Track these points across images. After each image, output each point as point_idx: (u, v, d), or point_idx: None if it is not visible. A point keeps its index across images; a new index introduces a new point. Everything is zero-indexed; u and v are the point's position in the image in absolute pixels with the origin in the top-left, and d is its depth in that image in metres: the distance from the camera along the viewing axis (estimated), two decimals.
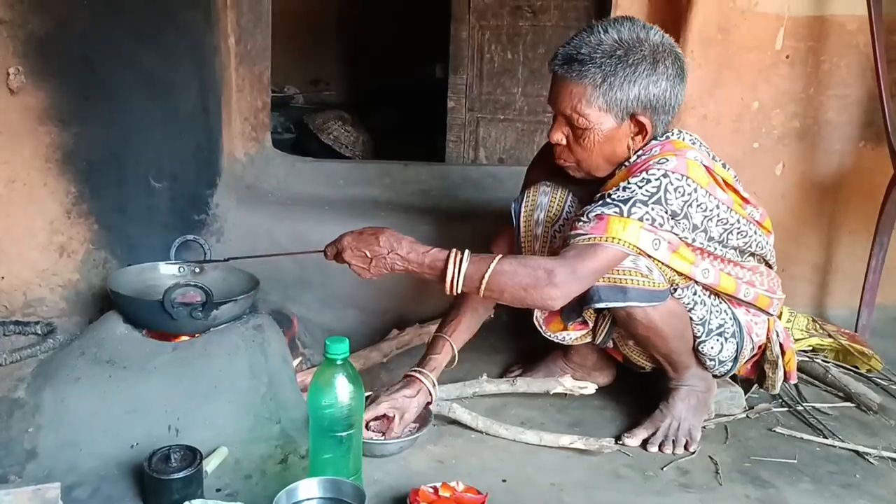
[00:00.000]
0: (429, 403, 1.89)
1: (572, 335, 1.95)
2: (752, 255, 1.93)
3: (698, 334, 1.87)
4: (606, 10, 2.74)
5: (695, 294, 1.84)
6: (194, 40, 2.35)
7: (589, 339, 1.97)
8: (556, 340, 1.97)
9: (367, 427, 1.79)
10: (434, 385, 1.90)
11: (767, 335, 1.98)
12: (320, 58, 6.03)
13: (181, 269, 2.19)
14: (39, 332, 2.18)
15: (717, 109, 2.65)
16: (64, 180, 2.24)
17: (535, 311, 1.93)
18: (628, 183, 1.68)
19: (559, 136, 1.79)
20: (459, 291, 1.66)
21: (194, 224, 2.39)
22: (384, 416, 1.81)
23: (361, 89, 5.92)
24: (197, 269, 2.20)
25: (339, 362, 1.46)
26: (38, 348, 2.07)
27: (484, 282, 1.63)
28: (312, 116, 4.57)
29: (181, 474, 1.50)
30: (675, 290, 1.81)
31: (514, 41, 3.38)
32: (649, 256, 1.70)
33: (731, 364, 1.93)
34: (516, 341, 2.47)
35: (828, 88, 2.65)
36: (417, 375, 1.89)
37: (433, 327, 2.42)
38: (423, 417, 1.87)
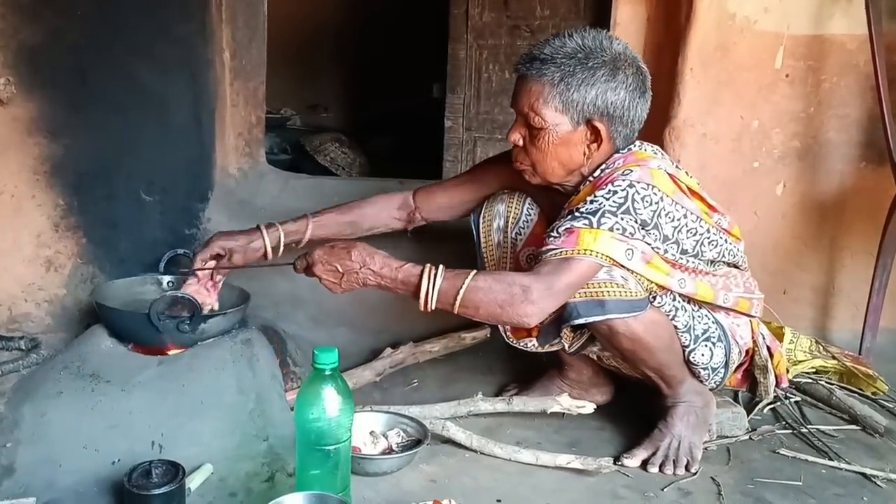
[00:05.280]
0: (263, 256, 1.95)
1: (538, 342, 1.92)
2: (725, 263, 1.90)
3: (685, 342, 1.83)
4: (605, 29, 2.72)
5: (674, 300, 1.81)
6: (188, 53, 2.33)
7: (558, 347, 1.93)
8: (520, 347, 1.95)
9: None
10: (276, 244, 1.96)
11: (753, 338, 1.95)
12: (318, 83, 6.05)
13: (170, 283, 2.15)
14: (23, 347, 2.13)
15: (717, 128, 2.62)
16: (52, 193, 2.20)
17: None
18: (595, 196, 1.67)
19: (516, 136, 1.79)
20: (434, 308, 1.64)
21: (185, 238, 2.35)
22: (215, 255, 1.91)
23: (359, 114, 5.93)
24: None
25: (327, 373, 1.41)
26: (21, 363, 2.01)
27: (458, 298, 1.62)
28: (309, 138, 4.56)
29: (162, 490, 1.45)
30: (654, 298, 1.78)
31: (511, 61, 3.35)
32: (623, 267, 1.67)
33: (723, 372, 1.90)
34: (512, 361, 2.41)
35: (828, 108, 2.62)
36: (261, 227, 1.96)
37: (428, 346, 2.40)
38: (420, 434, 1.81)
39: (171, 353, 1.90)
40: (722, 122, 2.62)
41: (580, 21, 3.19)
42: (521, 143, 1.79)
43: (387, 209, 2.11)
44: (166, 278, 2.16)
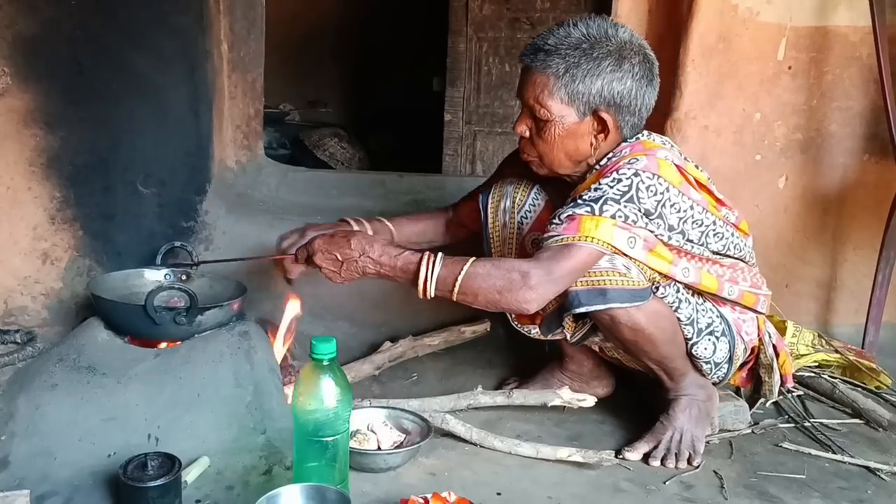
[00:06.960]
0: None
1: (541, 330, 1.90)
2: (731, 257, 1.88)
3: (689, 335, 1.81)
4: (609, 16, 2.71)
5: (678, 292, 1.79)
6: (186, 44, 2.30)
7: (560, 336, 1.90)
8: (524, 333, 1.94)
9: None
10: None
11: (759, 336, 1.92)
12: (317, 78, 6.02)
13: (167, 276, 2.12)
14: (19, 340, 2.11)
15: (719, 121, 2.60)
16: (49, 185, 2.19)
17: None
18: (599, 184, 1.65)
19: (523, 128, 1.78)
20: (433, 295, 1.63)
21: (182, 231, 2.33)
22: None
23: (359, 110, 5.90)
24: (184, 276, 2.14)
25: (325, 363, 1.39)
26: (17, 356, 2.01)
27: (457, 285, 1.61)
28: (308, 133, 4.54)
29: (158, 482, 1.43)
30: (657, 288, 1.75)
31: (511, 53, 3.36)
32: (625, 255, 1.65)
33: (727, 367, 1.88)
34: (512, 355, 2.40)
35: (831, 100, 2.60)
36: (348, 220, 1.99)
37: (427, 340, 2.38)
38: (424, 429, 1.79)
39: (167, 345, 1.88)
40: (724, 115, 2.60)
41: (581, 13, 3.17)
42: (527, 134, 1.77)
43: (442, 220, 2.17)
44: (164, 271, 2.14)
